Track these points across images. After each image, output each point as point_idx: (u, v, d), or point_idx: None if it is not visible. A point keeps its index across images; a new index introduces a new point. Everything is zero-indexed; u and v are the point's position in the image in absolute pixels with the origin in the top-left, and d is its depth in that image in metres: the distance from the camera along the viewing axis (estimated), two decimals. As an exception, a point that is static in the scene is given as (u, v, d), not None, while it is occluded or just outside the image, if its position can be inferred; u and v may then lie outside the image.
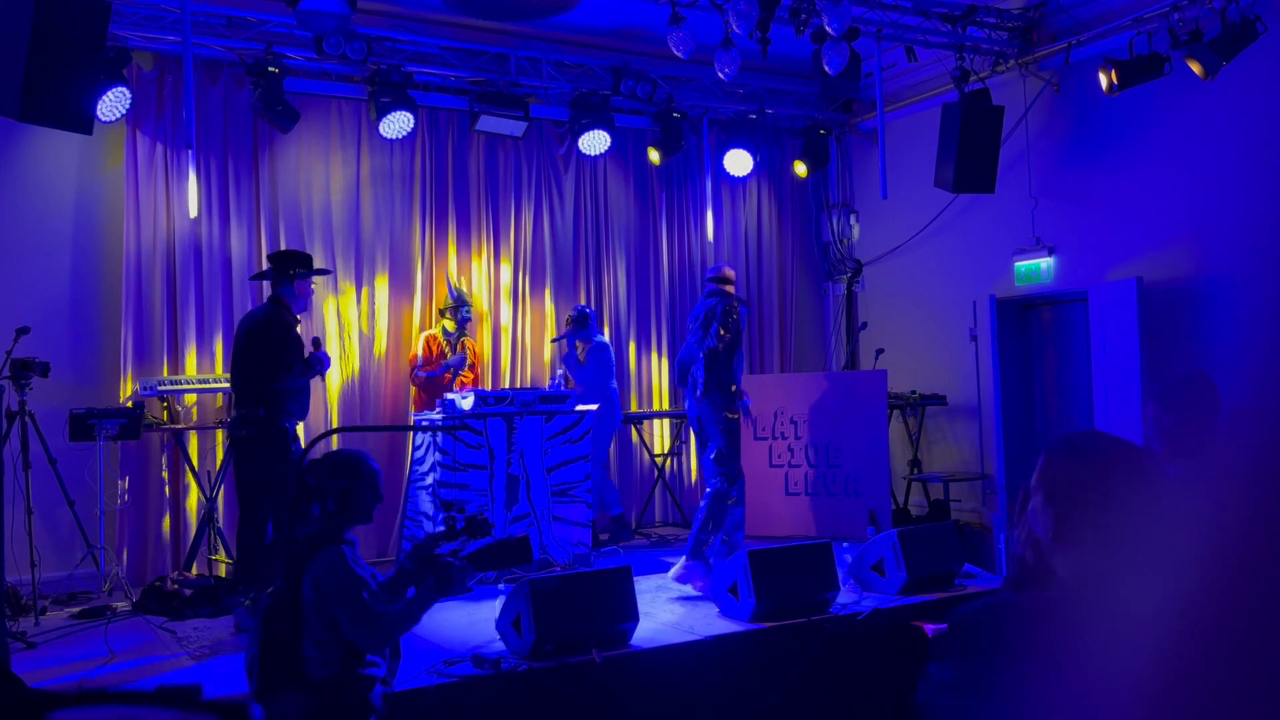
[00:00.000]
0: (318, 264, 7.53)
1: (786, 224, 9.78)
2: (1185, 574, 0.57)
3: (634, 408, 8.90)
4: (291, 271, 5.63)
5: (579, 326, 7.69)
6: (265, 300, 5.82)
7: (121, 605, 6.01)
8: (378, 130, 7.53)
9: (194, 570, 6.63)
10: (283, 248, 7.50)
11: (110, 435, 6.18)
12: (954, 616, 1.64)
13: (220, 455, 7.02)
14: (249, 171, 7.45)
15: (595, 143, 8.30)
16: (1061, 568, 1.60)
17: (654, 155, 8.74)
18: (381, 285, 7.89)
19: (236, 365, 5.61)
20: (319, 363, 5.62)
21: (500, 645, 4.74)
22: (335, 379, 7.66)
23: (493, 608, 5.09)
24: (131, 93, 6.68)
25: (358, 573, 3.33)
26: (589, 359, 7.66)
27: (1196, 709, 0.55)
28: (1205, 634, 0.56)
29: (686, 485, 9.13)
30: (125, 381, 6.92)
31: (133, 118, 6.91)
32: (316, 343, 5.78)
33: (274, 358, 5.43)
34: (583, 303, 8.65)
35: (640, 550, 7.67)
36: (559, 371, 8.18)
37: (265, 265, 7.36)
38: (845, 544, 6.80)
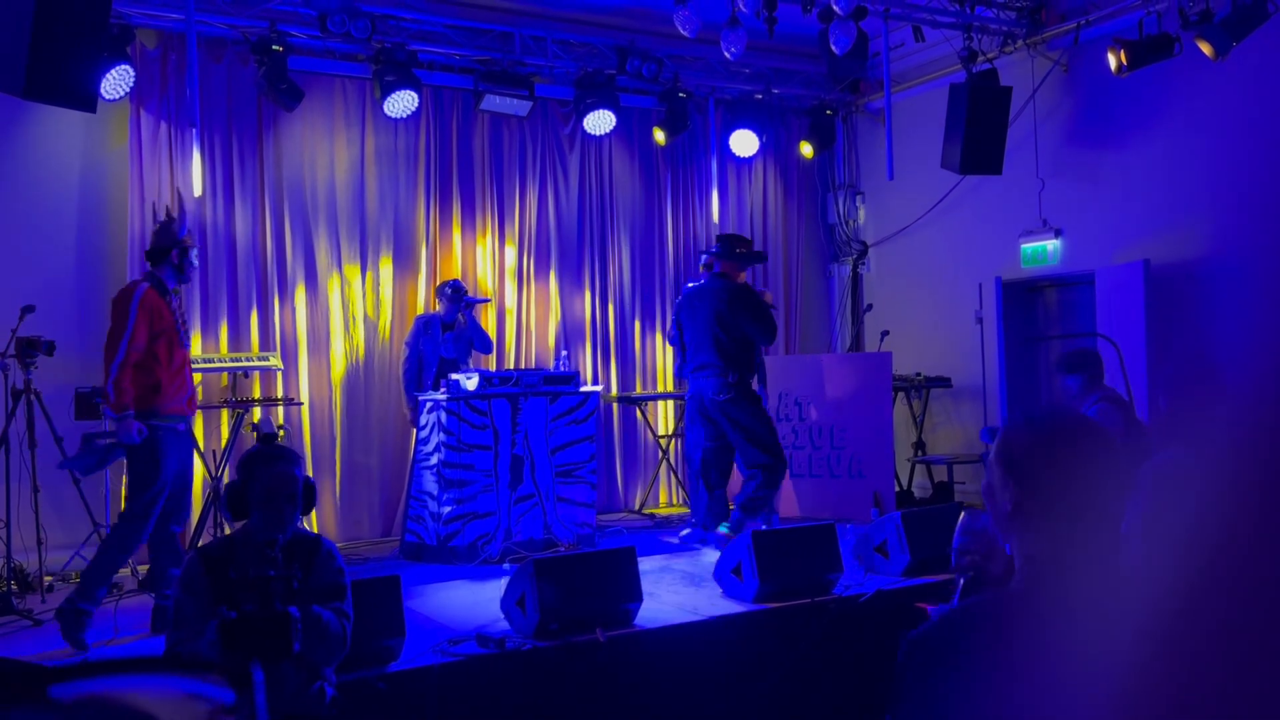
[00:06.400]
0: (321, 245, 7.57)
1: (792, 205, 9.74)
2: (1176, 558, 0.57)
3: (638, 389, 8.90)
4: (738, 250, 6.54)
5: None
6: (715, 277, 6.51)
7: (128, 583, 6.04)
8: (382, 109, 7.50)
9: (200, 549, 6.65)
10: (287, 227, 7.50)
11: (116, 414, 6.18)
12: (906, 642, 1.56)
13: (226, 434, 7.04)
14: (253, 151, 7.42)
15: (600, 122, 8.26)
16: (1017, 547, 1.56)
17: (659, 135, 8.70)
18: (386, 266, 7.87)
19: (721, 334, 6.33)
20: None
21: (504, 624, 4.76)
22: (340, 360, 7.67)
23: (497, 587, 5.11)
24: (135, 71, 6.64)
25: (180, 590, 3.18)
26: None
27: (1190, 696, 0.54)
28: (1198, 621, 0.55)
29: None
30: (130, 360, 6.91)
31: (136, 96, 6.88)
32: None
33: (760, 324, 6.36)
34: (587, 282, 8.65)
35: (644, 531, 7.68)
36: (563, 353, 8.17)
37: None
38: (849, 525, 6.81)
